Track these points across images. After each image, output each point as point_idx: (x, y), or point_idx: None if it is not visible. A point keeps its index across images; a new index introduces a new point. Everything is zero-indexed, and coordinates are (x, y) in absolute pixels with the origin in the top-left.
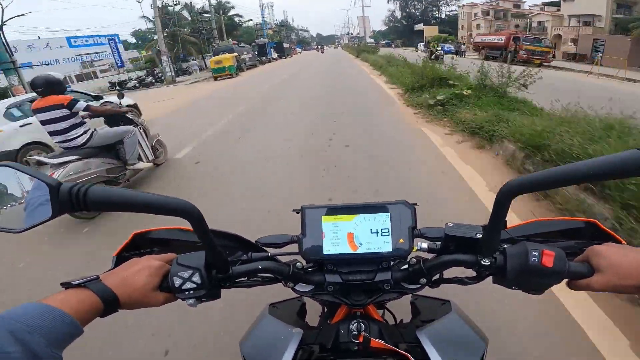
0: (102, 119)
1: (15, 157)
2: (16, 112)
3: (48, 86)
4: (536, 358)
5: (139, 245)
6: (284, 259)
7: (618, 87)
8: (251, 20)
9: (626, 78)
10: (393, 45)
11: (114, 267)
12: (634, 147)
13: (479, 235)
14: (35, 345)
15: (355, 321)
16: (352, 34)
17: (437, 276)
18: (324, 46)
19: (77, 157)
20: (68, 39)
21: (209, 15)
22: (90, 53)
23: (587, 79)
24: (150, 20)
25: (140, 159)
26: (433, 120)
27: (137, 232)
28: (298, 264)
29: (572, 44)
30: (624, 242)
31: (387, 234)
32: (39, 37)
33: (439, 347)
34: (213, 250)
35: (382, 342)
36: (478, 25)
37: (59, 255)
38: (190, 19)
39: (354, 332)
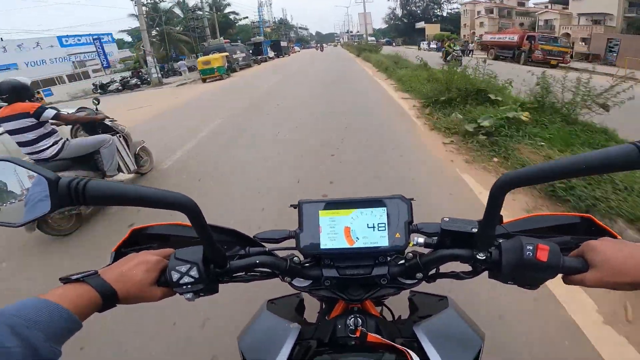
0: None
1: None
2: None
3: (13, 93)
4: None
5: (137, 241)
6: (281, 254)
7: None
8: (247, 17)
9: None
10: (394, 44)
11: (112, 263)
12: None
13: (475, 230)
14: (34, 340)
15: (352, 316)
16: (351, 32)
17: (433, 271)
18: (323, 44)
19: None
20: (59, 38)
21: (201, 12)
22: (82, 52)
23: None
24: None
25: (120, 169)
26: (476, 160)
27: (135, 227)
28: (295, 258)
29: (583, 43)
30: (619, 237)
31: (383, 228)
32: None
33: (435, 343)
34: (211, 244)
35: (378, 336)
36: (481, 24)
37: None
38: (182, 16)
39: (351, 327)
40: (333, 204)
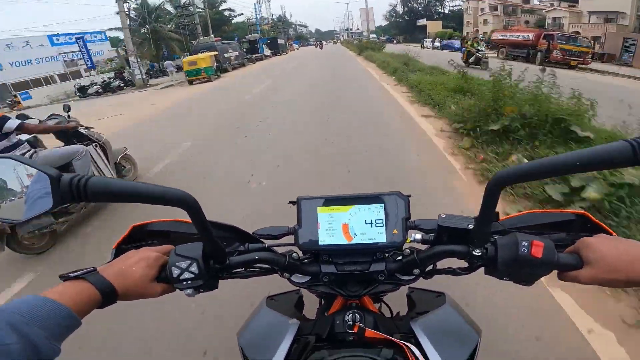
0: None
1: None
2: None
3: None
4: None
5: (137, 238)
6: (280, 250)
7: None
8: (242, 14)
9: None
10: (395, 41)
11: (112, 259)
12: None
13: (471, 226)
14: (34, 337)
15: (350, 312)
16: (351, 29)
17: (430, 267)
18: (323, 42)
19: None
20: (49, 37)
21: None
22: (73, 52)
23: None
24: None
25: None
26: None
27: (135, 224)
28: (294, 254)
29: (593, 42)
30: (614, 234)
31: (381, 224)
32: None
33: (432, 338)
34: (210, 240)
35: (376, 332)
36: (485, 21)
37: None
38: (174, 12)
39: (349, 323)
40: (331, 201)
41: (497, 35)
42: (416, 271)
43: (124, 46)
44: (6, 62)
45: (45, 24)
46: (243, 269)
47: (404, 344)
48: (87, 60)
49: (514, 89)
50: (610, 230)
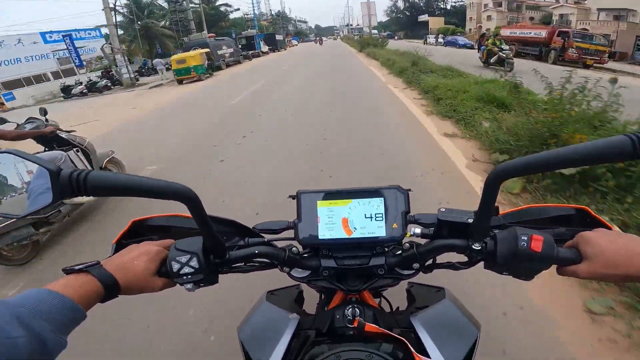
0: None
1: None
2: None
3: None
4: None
5: (137, 233)
6: (280, 244)
7: None
8: (238, 9)
9: None
10: (396, 37)
11: (113, 254)
12: None
13: (470, 220)
14: (40, 330)
15: (350, 306)
16: (351, 25)
17: (430, 261)
18: (323, 38)
19: None
20: (42, 34)
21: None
22: (66, 49)
23: None
24: (120, 13)
25: None
26: None
27: (135, 219)
28: (294, 249)
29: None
30: (614, 228)
31: (381, 218)
32: None
33: (431, 332)
34: (210, 234)
35: (376, 326)
36: (489, 17)
37: None
38: (167, 8)
39: (349, 317)
40: (331, 194)
41: (505, 32)
42: (416, 265)
43: (110, 44)
44: None
45: (29, 21)
46: (243, 263)
47: (403, 340)
48: (75, 59)
49: (583, 107)
50: (610, 225)
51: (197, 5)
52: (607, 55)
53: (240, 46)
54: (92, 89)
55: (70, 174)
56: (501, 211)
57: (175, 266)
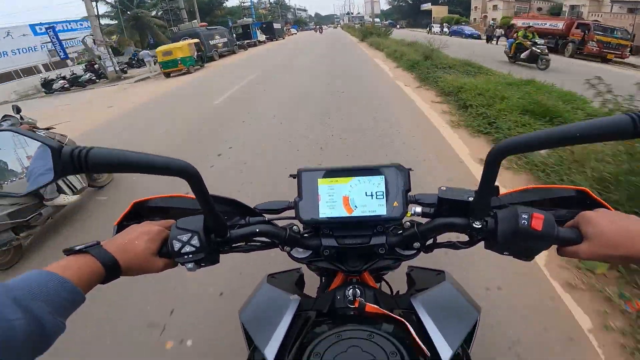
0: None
1: None
2: None
3: None
4: None
5: (138, 215)
6: (281, 224)
7: None
8: None
9: None
10: (397, 26)
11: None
12: None
13: (471, 199)
14: (38, 312)
15: (351, 287)
16: (352, 13)
17: (430, 241)
18: (323, 26)
19: None
20: (32, 26)
21: None
22: (50, 42)
23: None
24: (107, 2)
25: (61, 190)
26: None
27: (136, 200)
28: (295, 227)
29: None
30: (613, 210)
31: (381, 196)
32: None
33: (432, 314)
34: (211, 212)
35: (377, 307)
36: (495, 7)
37: None
38: None
39: (349, 298)
40: (332, 172)
41: (517, 22)
42: (416, 245)
43: (91, 35)
44: None
45: (10, 12)
46: (244, 242)
47: (404, 321)
48: (60, 51)
49: None
50: (610, 207)
51: None
52: (629, 49)
53: (235, 35)
54: (75, 83)
55: (71, 150)
56: (501, 192)
57: (176, 245)
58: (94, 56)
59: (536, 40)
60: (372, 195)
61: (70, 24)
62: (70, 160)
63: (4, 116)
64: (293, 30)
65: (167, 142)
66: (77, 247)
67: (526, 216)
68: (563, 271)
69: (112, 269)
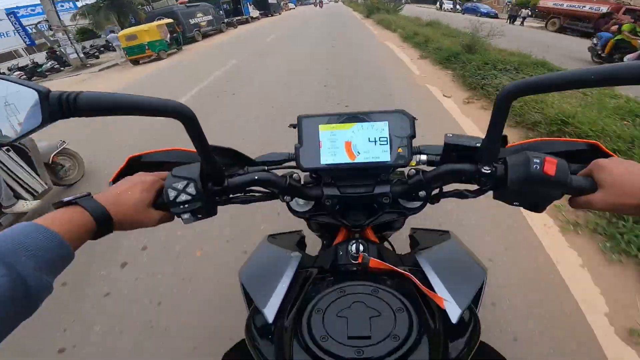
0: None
1: None
2: None
3: None
4: None
5: (134, 171)
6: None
7: None
8: None
9: None
10: (403, 0)
11: None
12: None
13: (478, 145)
14: (21, 268)
15: (354, 241)
16: None
17: (436, 191)
18: (323, 0)
19: None
20: (8, 10)
21: None
22: (36, 23)
23: None
24: None
25: (18, 195)
26: None
27: (132, 155)
28: (295, 175)
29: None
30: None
31: (385, 142)
32: None
33: (438, 272)
34: (207, 158)
35: (381, 261)
36: None
37: None
38: None
39: (352, 253)
40: (333, 118)
41: (547, 3)
42: (422, 194)
43: (46, 20)
44: None
45: None
46: (242, 193)
47: (409, 275)
48: (24, 37)
49: None
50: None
51: None
52: None
53: (222, 12)
54: (35, 73)
55: (60, 94)
56: (509, 144)
57: (172, 194)
58: (50, 43)
59: None
60: (375, 141)
61: (35, 9)
62: (58, 105)
63: None
64: (291, 5)
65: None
66: (66, 199)
67: (538, 161)
68: None
69: (103, 223)
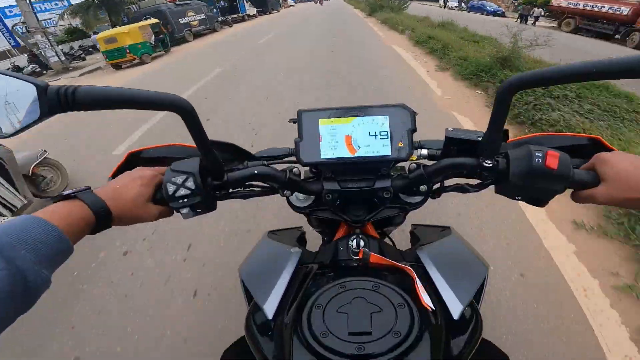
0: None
1: None
2: None
3: None
4: None
5: (134, 166)
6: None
7: None
8: None
9: None
10: None
11: None
12: None
13: (480, 138)
14: (20, 261)
15: (354, 237)
16: None
17: (438, 186)
18: None
19: None
20: (2, 10)
21: None
22: (12, 25)
23: None
24: None
25: None
26: None
27: (132, 151)
28: (295, 169)
29: None
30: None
31: (386, 136)
32: None
33: (440, 267)
34: (207, 152)
35: (381, 257)
36: None
37: None
38: None
39: (353, 248)
40: (334, 112)
41: (562, 2)
42: (423, 188)
43: (23, 21)
44: None
45: None
46: (242, 188)
47: (410, 270)
48: (8, 36)
49: None
50: None
51: None
52: None
53: (216, 10)
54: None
55: (58, 88)
56: (510, 139)
57: (171, 188)
58: (29, 45)
59: None
60: (375, 135)
61: (45, 4)
62: (56, 99)
63: None
64: (290, 2)
65: None
66: (66, 192)
67: (540, 154)
68: None
69: (103, 217)
